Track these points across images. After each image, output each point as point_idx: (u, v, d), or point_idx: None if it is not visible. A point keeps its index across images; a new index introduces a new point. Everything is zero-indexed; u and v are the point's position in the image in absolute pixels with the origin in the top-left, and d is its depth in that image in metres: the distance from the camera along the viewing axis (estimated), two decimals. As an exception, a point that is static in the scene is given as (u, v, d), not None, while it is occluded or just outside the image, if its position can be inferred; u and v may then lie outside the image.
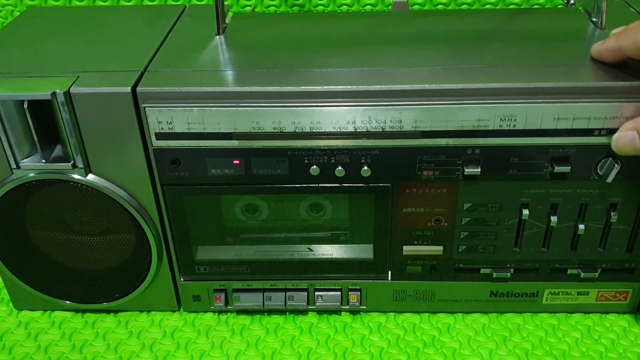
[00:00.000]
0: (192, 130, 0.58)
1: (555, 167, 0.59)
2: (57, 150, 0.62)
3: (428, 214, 0.64)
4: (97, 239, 0.66)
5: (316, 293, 0.69)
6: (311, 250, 0.68)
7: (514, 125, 0.57)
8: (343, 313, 0.71)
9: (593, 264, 0.66)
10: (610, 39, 0.58)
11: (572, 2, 0.76)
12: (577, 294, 0.69)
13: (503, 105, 0.56)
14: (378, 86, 0.57)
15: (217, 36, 0.68)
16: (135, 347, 0.68)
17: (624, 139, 0.55)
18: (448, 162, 0.60)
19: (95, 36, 0.70)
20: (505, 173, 0.60)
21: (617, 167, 0.58)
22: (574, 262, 0.66)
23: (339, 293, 0.69)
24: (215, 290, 0.70)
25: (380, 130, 0.58)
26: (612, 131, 0.57)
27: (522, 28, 0.70)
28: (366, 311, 0.71)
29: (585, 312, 0.70)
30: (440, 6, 0.90)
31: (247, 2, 0.91)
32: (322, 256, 0.68)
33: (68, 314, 0.72)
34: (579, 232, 0.63)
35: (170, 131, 0.58)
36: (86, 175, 0.61)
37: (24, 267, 0.68)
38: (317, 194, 0.64)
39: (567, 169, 0.59)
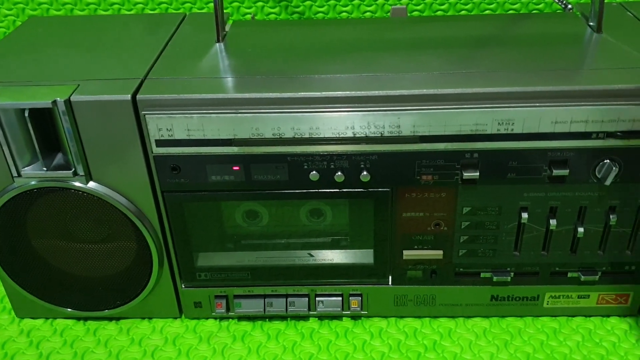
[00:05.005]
0: (192, 137, 0.59)
1: (554, 171, 0.59)
2: (58, 158, 0.62)
3: (428, 219, 0.64)
4: (98, 247, 0.66)
5: (317, 298, 0.70)
6: (312, 255, 0.68)
7: (512, 129, 0.57)
8: (344, 318, 0.72)
9: (593, 267, 0.66)
10: None
11: (569, 6, 0.77)
12: (578, 297, 0.69)
13: (501, 110, 0.56)
14: (376, 91, 0.57)
15: (217, 44, 0.68)
16: (137, 354, 0.68)
17: None
18: (447, 166, 0.60)
19: (95, 45, 0.70)
20: (504, 177, 0.60)
21: (615, 170, 0.58)
22: (574, 265, 0.66)
23: (340, 298, 0.70)
24: (217, 297, 0.70)
25: (379, 135, 0.58)
26: (609, 134, 0.57)
27: (520, 33, 0.70)
28: (367, 316, 0.71)
29: (586, 316, 0.70)
30: (439, 12, 0.91)
31: (247, 10, 0.91)
32: (323, 261, 0.68)
33: (70, 322, 0.72)
34: (578, 235, 0.63)
35: (170, 138, 0.59)
36: (87, 182, 0.61)
37: (25, 275, 0.68)
38: (317, 199, 0.64)
39: (565, 172, 0.59)
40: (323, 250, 0.68)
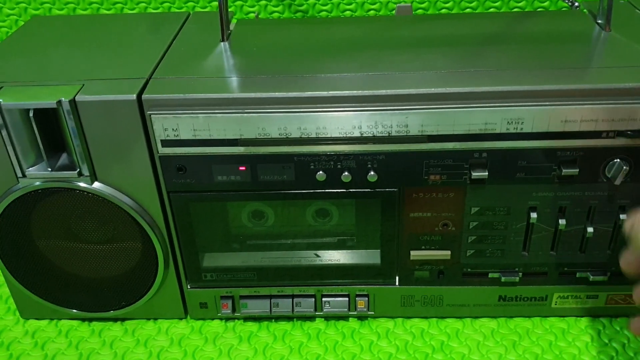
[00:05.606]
0: (197, 137, 0.58)
1: (563, 170, 0.58)
2: (63, 159, 0.62)
3: (435, 219, 0.63)
4: (103, 247, 0.65)
5: (323, 299, 0.69)
6: (318, 256, 0.67)
7: (521, 129, 0.57)
8: (351, 319, 0.71)
9: (602, 267, 0.65)
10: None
11: (576, 4, 0.76)
12: (587, 298, 0.68)
13: (510, 108, 0.56)
14: (384, 91, 0.57)
15: (222, 43, 0.68)
16: (143, 356, 0.67)
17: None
18: (455, 166, 0.59)
19: (99, 44, 0.70)
20: (513, 176, 0.60)
21: (625, 169, 0.58)
22: (583, 265, 0.66)
23: (347, 299, 0.69)
24: (222, 297, 0.69)
25: (387, 134, 0.58)
26: (620, 133, 0.56)
27: (526, 31, 0.70)
28: (374, 317, 0.71)
29: (595, 316, 0.70)
30: (444, 10, 0.90)
31: (251, 9, 0.91)
32: (329, 262, 0.67)
33: (75, 323, 0.72)
34: (587, 235, 0.63)
35: (176, 138, 0.58)
36: (92, 183, 0.61)
37: (30, 276, 0.68)
38: (324, 199, 0.63)
39: (575, 171, 0.59)
40: (329, 251, 0.67)
